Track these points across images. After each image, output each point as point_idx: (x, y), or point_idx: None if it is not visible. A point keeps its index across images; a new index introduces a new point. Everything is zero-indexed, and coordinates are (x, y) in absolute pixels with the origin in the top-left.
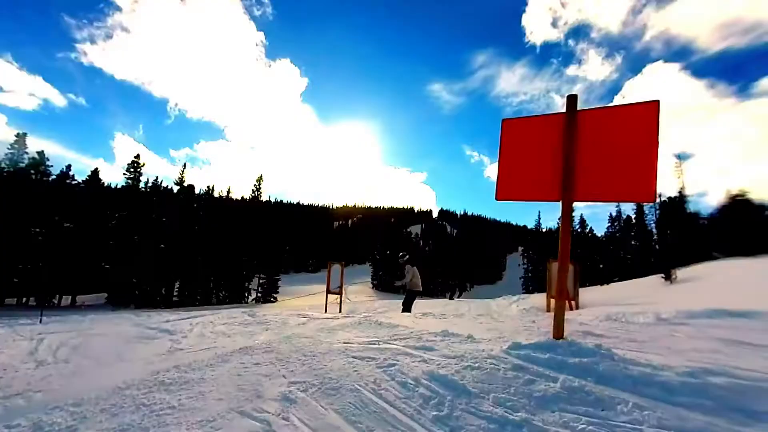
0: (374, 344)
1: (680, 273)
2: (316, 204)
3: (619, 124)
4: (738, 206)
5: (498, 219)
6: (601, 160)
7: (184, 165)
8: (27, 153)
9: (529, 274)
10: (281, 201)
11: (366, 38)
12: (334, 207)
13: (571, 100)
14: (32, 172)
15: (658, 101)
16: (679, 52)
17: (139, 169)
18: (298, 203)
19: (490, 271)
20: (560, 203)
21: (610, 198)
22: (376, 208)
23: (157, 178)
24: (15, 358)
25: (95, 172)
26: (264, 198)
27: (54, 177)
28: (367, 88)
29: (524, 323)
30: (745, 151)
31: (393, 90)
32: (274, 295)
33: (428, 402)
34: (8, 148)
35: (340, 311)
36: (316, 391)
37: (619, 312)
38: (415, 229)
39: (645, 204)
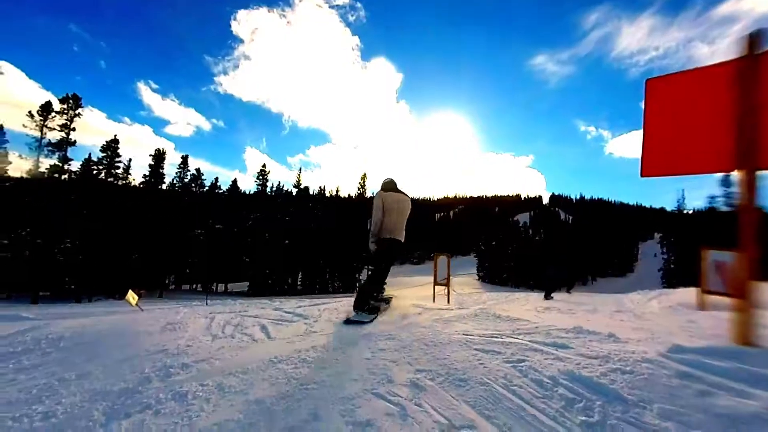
0: (496, 338)
1: None
2: (417, 197)
3: None
4: None
5: (626, 202)
6: None
7: (300, 169)
8: (189, 171)
9: (671, 266)
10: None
11: (457, 20)
12: (435, 199)
13: (755, 37)
14: (192, 185)
15: None
16: None
17: (265, 176)
18: None
19: (617, 261)
20: (735, 174)
21: None
22: (479, 197)
23: (279, 182)
24: (197, 332)
25: (234, 182)
26: (368, 194)
27: (207, 188)
28: (462, 74)
29: (679, 323)
30: None
31: (489, 71)
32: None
33: (572, 405)
34: (177, 169)
35: (448, 302)
36: (444, 381)
37: None
38: (523, 218)
39: None
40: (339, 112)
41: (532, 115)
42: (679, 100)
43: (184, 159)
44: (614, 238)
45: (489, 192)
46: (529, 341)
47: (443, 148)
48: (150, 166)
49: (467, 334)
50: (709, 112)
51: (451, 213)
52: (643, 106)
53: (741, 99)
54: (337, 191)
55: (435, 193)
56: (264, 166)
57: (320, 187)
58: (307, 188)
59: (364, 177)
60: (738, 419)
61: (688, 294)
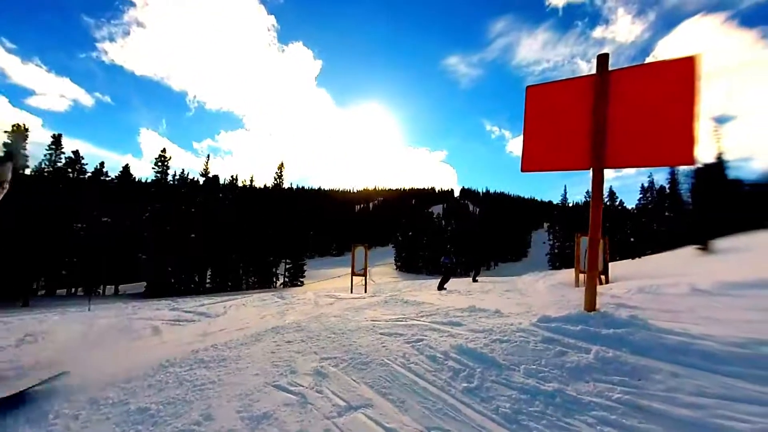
0: (401, 321)
1: (719, 244)
2: (337, 188)
3: (654, 82)
4: None
5: (522, 195)
6: (636, 122)
7: (208, 156)
8: (63, 153)
9: (555, 251)
10: (303, 187)
11: (378, 14)
12: (355, 191)
13: (602, 59)
14: (69, 170)
15: (699, 55)
16: (722, 2)
17: (166, 163)
18: (320, 188)
19: (514, 248)
20: (590, 172)
21: (646, 163)
22: (397, 189)
23: (183, 170)
24: (70, 341)
25: (126, 169)
26: (286, 185)
27: (89, 174)
28: (382, 68)
29: (553, 298)
30: None
31: (408, 67)
32: (301, 279)
33: (458, 374)
34: (46, 150)
35: (365, 292)
36: (347, 366)
37: (653, 284)
38: (437, 209)
39: (680, 172)
40: (253, 96)
41: (445, 112)
42: (551, 106)
43: (57, 138)
44: (512, 227)
45: (407, 185)
46: (430, 322)
47: (364, 139)
48: (4, 144)
49: (375, 320)
50: (573, 118)
51: (371, 205)
52: (524, 110)
53: (594, 109)
54: (252, 180)
55: (355, 184)
56: (164, 151)
57: (232, 176)
58: (216, 177)
59: (281, 166)
60: (580, 369)
61: (568, 274)
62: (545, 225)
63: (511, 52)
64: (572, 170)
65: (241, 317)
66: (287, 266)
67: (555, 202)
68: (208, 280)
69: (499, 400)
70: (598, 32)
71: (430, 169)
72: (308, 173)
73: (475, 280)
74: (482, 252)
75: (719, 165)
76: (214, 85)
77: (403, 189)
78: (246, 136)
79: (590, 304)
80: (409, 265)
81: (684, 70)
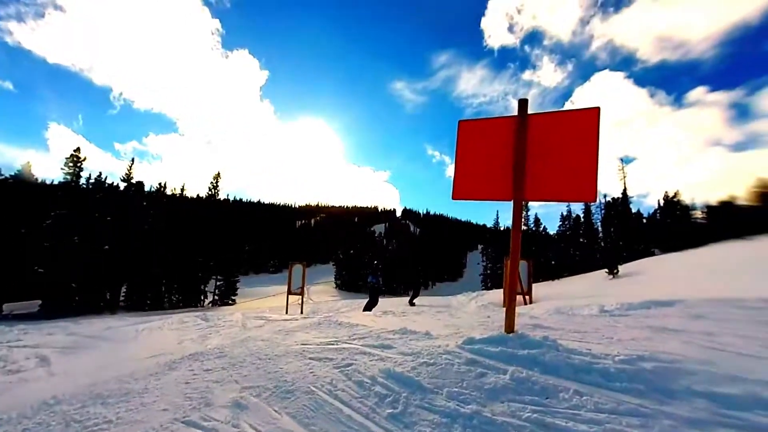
0: (333, 344)
1: (623, 268)
2: (277, 203)
3: (563, 128)
4: (671, 206)
5: (459, 218)
6: (548, 162)
7: (132, 160)
8: None
9: (488, 271)
10: (240, 199)
11: (329, 32)
12: (296, 206)
13: (522, 104)
14: None
15: (598, 108)
16: (623, 61)
17: (79, 164)
18: (258, 202)
19: (451, 268)
20: (512, 203)
21: (556, 198)
22: (340, 207)
23: (100, 174)
24: None
25: (27, 166)
26: (222, 196)
27: None
28: (329, 85)
29: (480, 318)
30: (679, 157)
31: (356, 86)
32: (233, 298)
33: (384, 400)
34: None
35: (302, 312)
36: (270, 396)
37: (567, 305)
38: (379, 228)
39: (591, 204)
40: (190, 100)
41: (391, 134)
42: (480, 141)
43: None
44: (450, 248)
45: (350, 202)
46: (362, 345)
47: (307, 155)
48: None
49: (305, 344)
50: (499, 153)
51: (313, 221)
52: (456, 142)
53: (515, 146)
54: (183, 189)
55: (297, 200)
56: (78, 150)
57: (160, 183)
58: (141, 183)
59: (217, 176)
60: (497, 390)
61: (497, 294)
62: (479, 247)
63: (452, 83)
64: (497, 200)
65: (155, 342)
66: (218, 283)
67: (489, 226)
68: (122, 298)
69: (422, 424)
70: (527, 75)
71: (374, 188)
72: (247, 185)
73: (411, 304)
74: (421, 273)
75: (624, 199)
76: (144, 84)
77: (346, 207)
78: (179, 141)
79: (509, 325)
80: (350, 284)
81: (587, 119)
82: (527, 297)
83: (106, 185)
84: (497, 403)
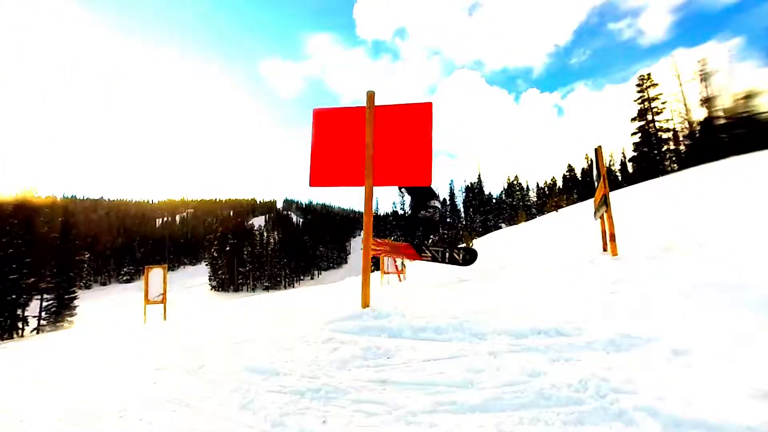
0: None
1: (477, 241)
2: (128, 199)
3: (403, 119)
4: (512, 188)
5: (342, 206)
6: (392, 150)
7: None
8: None
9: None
10: (74, 197)
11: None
12: (155, 201)
13: (370, 95)
14: None
15: (431, 103)
16: (477, 63)
17: None
18: (101, 199)
19: (337, 256)
20: (363, 189)
21: (399, 183)
22: (212, 200)
23: None
24: None
25: None
26: (43, 193)
27: None
28: (195, 62)
29: (352, 298)
30: (520, 146)
31: (227, 66)
32: (68, 319)
33: (234, 393)
34: None
35: (165, 320)
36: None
37: (425, 281)
38: (259, 221)
39: (455, 187)
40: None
41: (268, 120)
42: (334, 129)
43: None
44: (335, 236)
45: (223, 195)
46: (226, 341)
47: (170, 142)
48: None
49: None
50: (352, 141)
51: (178, 217)
52: (311, 131)
53: (365, 136)
54: None
55: (156, 195)
56: None
57: None
58: None
59: (37, 169)
60: (346, 360)
61: (376, 276)
62: (362, 232)
63: (329, 69)
64: (351, 186)
65: None
66: (46, 304)
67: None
68: None
69: (270, 408)
70: (399, 67)
71: (253, 179)
72: (85, 179)
73: None
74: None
75: (479, 183)
76: None
77: (219, 200)
78: None
79: (365, 301)
80: (228, 283)
81: (422, 112)
82: (402, 275)
83: None
84: (345, 371)
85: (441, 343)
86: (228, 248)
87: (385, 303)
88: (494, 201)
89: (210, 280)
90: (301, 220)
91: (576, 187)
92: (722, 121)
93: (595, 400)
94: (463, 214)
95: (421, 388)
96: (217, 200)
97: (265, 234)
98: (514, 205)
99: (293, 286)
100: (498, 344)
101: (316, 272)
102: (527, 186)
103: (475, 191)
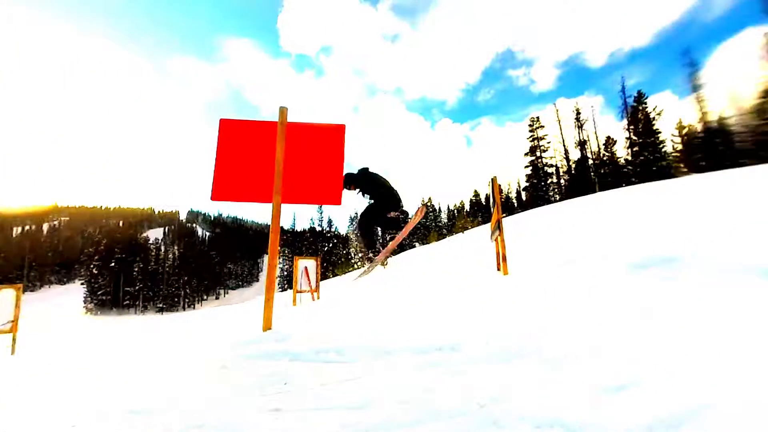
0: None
1: (392, 260)
2: None
3: (316, 139)
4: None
5: (256, 221)
6: (302, 168)
7: None
8: None
9: (285, 273)
10: None
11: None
12: (13, 207)
13: (283, 111)
14: None
15: (344, 125)
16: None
17: None
18: None
19: (247, 273)
20: (271, 205)
21: (308, 201)
22: (94, 208)
23: None
24: None
25: None
26: None
27: None
28: (98, 50)
29: (256, 320)
30: (438, 169)
31: (128, 58)
32: None
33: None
34: None
35: (13, 353)
36: None
37: (335, 297)
38: (156, 234)
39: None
40: None
41: (176, 122)
42: (242, 142)
43: None
44: (246, 252)
45: (112, 203)
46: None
47: (41, 139)
48: None
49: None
50: (261, 156)
51: (46, 226)
52: (216, 142)
53: (276, 151)
54: None
55: (17, 199)
56: None
57: None
58: None
59: None
60: (239, 390)
61: (289, 295)
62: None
63: (250, 76)
64: (258, 202)
65: None
66: None
67: (287, 228)
68: None
69: None
70: (322, 83)
71: (152, 186)
72: None
73: None
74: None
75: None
76: None
77: (105, 208)
78: None
79: (266, 323)
80: (110, 304)
81: (335, 133)
82: (316, 293)
83: None
84: (234, 402)
85: (344, 364)
86: (113, 264)
87: (291, 324)
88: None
89: (86, 301)
90: (208, 233)
91: (481, 211)
92: (591, 162)
93: (476, 410)
94: (379, 232)
95: (316, 412)
96: (103, 208)
97: (162, 248)
98: (428, 226)
99: (194, 307)
100: (401, 362)
101: (222, 291)
102: (439, 208)
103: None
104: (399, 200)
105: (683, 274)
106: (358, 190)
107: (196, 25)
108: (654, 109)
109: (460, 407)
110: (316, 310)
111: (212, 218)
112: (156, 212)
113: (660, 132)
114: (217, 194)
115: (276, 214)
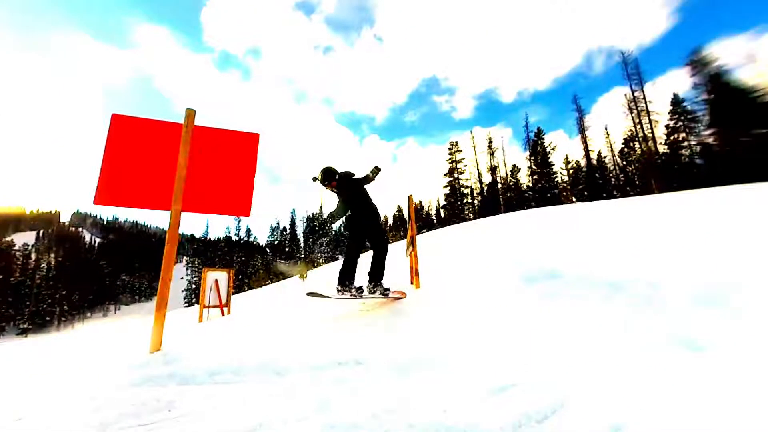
0: None
1: (312, 272)
2: None
3: (226, 146)
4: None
5: (162, 227)
6: (208, 175)
7: None
8: None
9: (193, 286)
10: None
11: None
12: None
13: (190, 113)
14: None
15: (258, 134)
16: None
17: None
18: None
19: (147, 286)
20: (169, 213)
21: (213, 211)
22: None
23: None
24: None
25: None
26: None
27: None
28: None
29: (145, 340)
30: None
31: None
32: None
33: None
34: None
35: None
36: None
37: (254, 317)
38: (26, 238)
39: (297, 216)
40: None
41: (68, 109)
42: (137, 142)
43: None
44: (147, 262)
45: None
46: None
47: None
48: None
49: None
50: (158, 158)
51: None
52: (105, 138)
53: (179, 156)
54: None
55: None
56: None
57: None
58: None
59: None
60: (112, 423)
61: (195, 311)
62: (185, 259)
63: (165, 66)
64: (151, 209)
65: None
66: None
67: (198, 236)
68: None
69: None
70: (248, 86)
71: (26, 183)
72: None
73: None
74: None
75: (321, 214)
76: None
77: None
78: None
79: (155, 344)
80: None
81: (248, 142)
82: (226, 308)
83: None
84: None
85: (238, 385)
86: None
87: (187, 344)
88: (334, 233)
89: None
90: (98, 239)
91: (403, 226)
92: (500, 186)
93: (369, 421)
94: (302, 244)
95: None
96: None
97: (33, 256)
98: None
99: (73, 326)
100: (299, 380)
101: (113, 307)
102: None
103: (316, 221)
104: (375, 211)
105: (562, 288)
106: (337, 191)
107: (97, 2)
108: (550, 144)
109: (354, 420)
110: (223, 327)
111: (105, 222)
112: (29, 212)
113: (554, 164)
114: (101, 198)
115: (174, 223)
